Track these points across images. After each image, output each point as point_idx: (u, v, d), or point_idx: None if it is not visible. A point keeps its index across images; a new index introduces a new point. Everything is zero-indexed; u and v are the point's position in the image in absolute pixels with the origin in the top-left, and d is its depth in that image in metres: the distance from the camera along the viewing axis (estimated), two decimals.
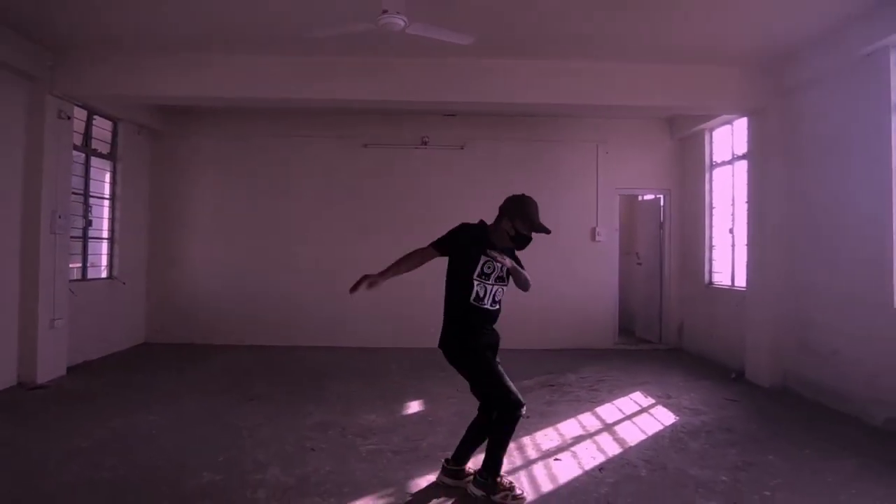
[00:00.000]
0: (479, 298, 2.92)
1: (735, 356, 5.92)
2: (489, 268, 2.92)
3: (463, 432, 3.13)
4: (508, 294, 3.06)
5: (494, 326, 3.06)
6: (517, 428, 2.95)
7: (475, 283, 2.91)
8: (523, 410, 2.87)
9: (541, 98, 5.62)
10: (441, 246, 2.96)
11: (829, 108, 4.81)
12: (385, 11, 3.16)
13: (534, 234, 3.00)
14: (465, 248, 2.94)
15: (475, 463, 3.09)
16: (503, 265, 2.90)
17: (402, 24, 3.25)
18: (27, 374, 5.10)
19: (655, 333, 7.62)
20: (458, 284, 2.95)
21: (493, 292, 2.95)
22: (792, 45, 4.87)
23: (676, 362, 6.54)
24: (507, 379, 2.90)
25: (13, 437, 3.78)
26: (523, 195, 3.04)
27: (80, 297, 5.82)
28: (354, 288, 2.90)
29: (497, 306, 3.01)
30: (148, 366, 6.05)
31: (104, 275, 6.60)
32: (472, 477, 2.99)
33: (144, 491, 2.96)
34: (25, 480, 3.09)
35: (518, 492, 2.90)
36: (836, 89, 4.71)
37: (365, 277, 2.91)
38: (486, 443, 2.98)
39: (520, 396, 2.87)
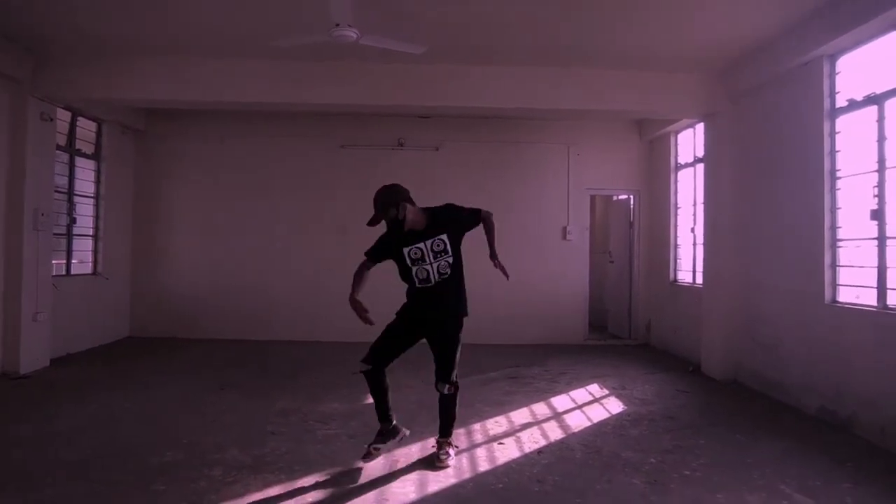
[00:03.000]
0: (423, 280, 3.23)
1: (695, 351, 6.17)
2: (415, 253, 3.21)
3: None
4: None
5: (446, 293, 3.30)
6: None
7: (413, 269, 3.22)
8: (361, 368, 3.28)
9: (509, 103, 5.86)
10: (374, 254, 3.31)
11: (772, 113, 5.06)
12: (337, 25, 3.38)
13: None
14: (389, 245, 3.27)
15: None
16: (429, 247, 3.20)
17: (354, 36, 3.48)
18: (10, 365, 5.33)
19: (625, 329, 7.87)
20: (402, 275, 3.29)
21: (436, 268, 3.23)
22: (739, 52, 5.11)
23: (641, 357, 6.78)
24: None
25: None
26: (395, 184, 3.27)
27: (64, 292, 6.05)
28: (364, 313, 3.14)
29: (446, 274, 3.26)
30: (129, 358, 6.28)
31: (89, 270, 6.82)
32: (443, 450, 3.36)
33: (111, 468, 3.19)
34: (2, 461, 3.32)
35: (444, 456, 3.31)
36: (779, 96, 4.96)
37: (355, 303, 3.16)
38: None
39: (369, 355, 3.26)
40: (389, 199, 3.16)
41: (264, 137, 7.56)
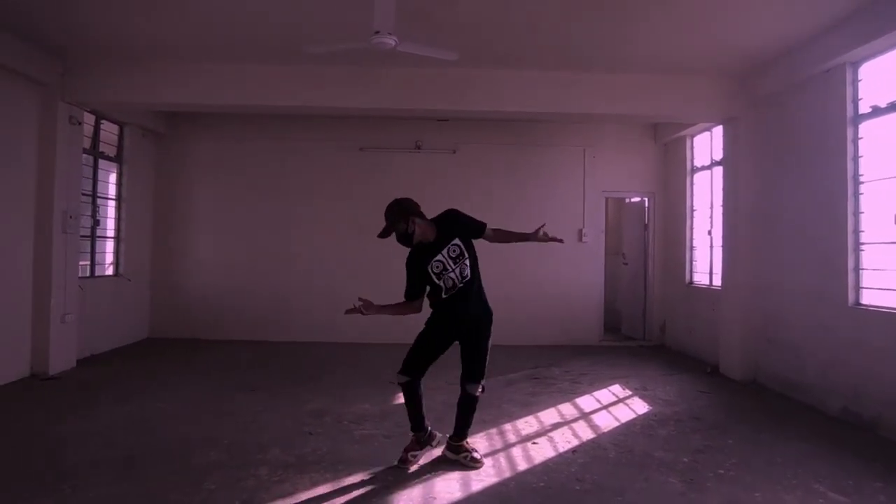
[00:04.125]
0: (449, 289, 3.29)
1: (712, 352, 6.25)
2: (438, 266, 3.27)
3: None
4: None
5: (473, 296, 3.35)
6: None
7: (439, 282, 3.27)
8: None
9: (527, 107, 5.91)
10: (411, 291, 3.35)
11: (793, 118, 5.14)
12: (377, 32, 3.45)
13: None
14: (416, 269, 3.31)
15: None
16: (447, 256, 3.25)
17: (392, 43, 3.54)
18: (40, 366, 5.40)
19: (640, 331, 7.94)
20: (431, 295, 3.35)
21: (458, 272, 3.28)
22: (761, 58, 5.19)
23: (657, 358, 6.86)
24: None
25: (30, 421, 4.09)
26: (405, 198, 3.34)
27: (88, 293, 6.12)
28: (353, 310, 3.20)
29: (468, 276, 3.30)
30: (153, 358, 6.35)
31: (111, 272, 6.89)
32: (467, 452, 3.39)
33: (157, 467, 3.27)
34: (46, 457, 3.39)
35: (477, 455, 3.38)
36: (800, 102, 5.03)
37: (365, 305, 3.19)
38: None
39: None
40: (399, 214, 3.22)
41: (283, 140, 7.63)
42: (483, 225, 3.39)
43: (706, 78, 5.74)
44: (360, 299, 3.19)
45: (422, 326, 3.43)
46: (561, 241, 3.47)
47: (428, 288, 3.34)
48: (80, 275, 6.03)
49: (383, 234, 3.29)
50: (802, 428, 4.19)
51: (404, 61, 5.20)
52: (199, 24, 4.74)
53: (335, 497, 2.93)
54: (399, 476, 3.21)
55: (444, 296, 3.30)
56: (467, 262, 3.30)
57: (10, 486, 2.99)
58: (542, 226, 3.41)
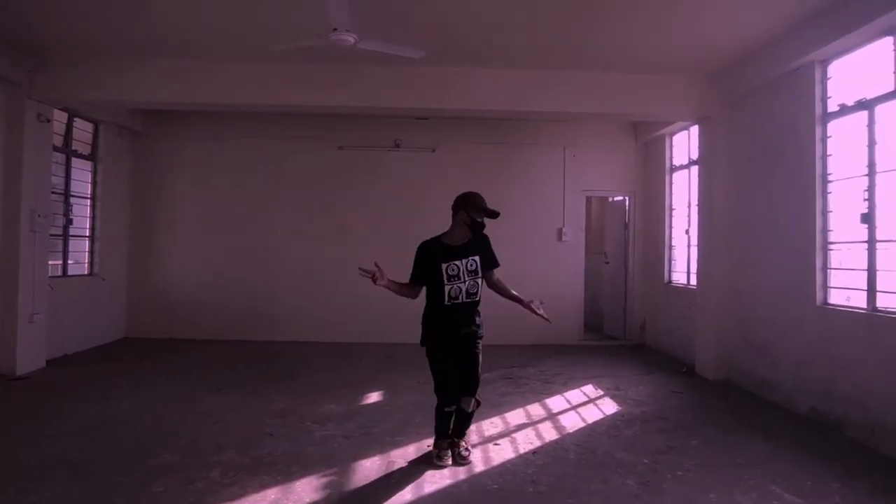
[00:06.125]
0: (453, 298, 3.31)
1: (689, 351, 6.23)
2: (453, 270, 3.29)
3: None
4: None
5: (469, 314, 3.41)
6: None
7: (446, 286, 3.28)
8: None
9: (504, 105, 5.89)
10: (416, 278, 3.38)
11: (766, 117, 5.12)
12: (335, 29, 3.41)
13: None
14: (427, 263, 3.32)
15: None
16: (465, 266, 3.31)
17: (352, 40, 3.51)
18: (7, 366, 5.34)
19: (620, 330, 7.93)
20: (431, 290, 3.35)
21: (467, 287, 3.32)
22: (734, 57, 5.17)
23: (635, 357, 6.84)
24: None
25: None
26: (470, 191, 3.44)
27: (60, 293, 6.06)
28: (368, 272, 3.19)
29: (474, 294, 3.37)
30: (127, 358, 6.30)
31: (85, 272, 6.83)
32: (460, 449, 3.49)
33: (108, 469, 3.22)
34: (1, 462, 3.33)
35: (465, 454, 3.47)
36: (772, 100, 5.02)
37: (380, 274, 3.20)
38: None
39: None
40: (458, 204, 3.37)
41: (262, 139, 7.57)
42: (497, 265, 3.52)
43: (681, 77, 5.71)
44: (376, 265, 3.22)
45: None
46: (549, 321, 3.51)
47: (430, 286, 3.37)
48: (50, 274, 5.97)
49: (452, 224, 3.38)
50: (769, 428, 4.18)
51: (380, 60, 5.15)
52: (170, 21, 4.68)
53: (283, 501, 2.88)
54: (351, 478, 3.17)
55: (445, 302, 3.31)
56: (479, 281, 3.38)
57: None
58: (541, 302, 3.47)
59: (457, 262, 3.31)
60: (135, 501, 2.84)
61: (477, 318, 3.44)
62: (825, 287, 4.40)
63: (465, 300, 3.33)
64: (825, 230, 4.40)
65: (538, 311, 3.42)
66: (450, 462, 3.38)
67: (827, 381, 4.22)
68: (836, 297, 4.35)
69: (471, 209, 3.32)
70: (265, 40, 4.39)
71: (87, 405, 4.44)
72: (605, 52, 5.19)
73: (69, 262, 6.53)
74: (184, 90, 5.68)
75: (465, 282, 3.31)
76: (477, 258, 3.37)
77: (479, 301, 3.43)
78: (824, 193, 4.40)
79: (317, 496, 2.94)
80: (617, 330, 7.99)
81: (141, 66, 5.53)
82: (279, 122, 7.46)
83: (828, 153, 4.40)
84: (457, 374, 3.40)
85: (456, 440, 3.51)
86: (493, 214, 3.33)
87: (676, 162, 7.10)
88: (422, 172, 7.62)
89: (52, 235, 5.98)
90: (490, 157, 7.66)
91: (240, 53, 5.37)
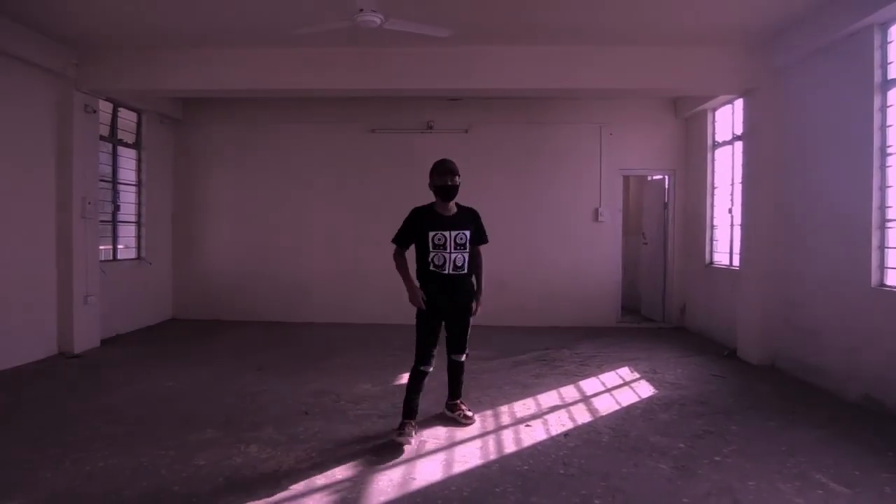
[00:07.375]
0: (438, 266, 3.41)
1: (731, 334, 6.02)
2: (439, 239, 3.38)
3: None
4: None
5: (461, 285, 3.54)
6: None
7: (430, 253, 3.39)
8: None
9: (538, 83, 5.73)
10: (400, 238, 3.49)
11: (817, 87, 4.80)
12: (361, 10, 3.38)
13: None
14: (415, 228, 3.43)
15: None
16: (452, 238, 3.41)
17: (378, 21, 3.47)
18: (66, 345, 5.68)
19: (659, 312, 7.73)
20: (417, 255, 3.46)
21: (453, 259, 3.40)
22: (780, 24, 4.85)
23: (674, 340, 6.65)
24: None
25: (50, 396, 4.31)
26: (440, 159, 3.55)
27: (111, 276, 6.37)
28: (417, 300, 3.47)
29: (462, 267, 3.45)
30: (172, 339, 6.59)
31: (133, 256, 7.15)
32: (461, 411, 3.77)
33: (153, 443, 3.39)
34: (52, 432, 3.56)
35: (469, 413, 3.76)
36: (824, 68, 4.69)
37: (415, 291, 3.46)
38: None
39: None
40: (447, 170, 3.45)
41: (296, 123, 7.67)
42: (485, 241, 3.66)
43: (724, 47, 5.41)
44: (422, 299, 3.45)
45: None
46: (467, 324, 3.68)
47: (417, 249, 3.50)
48: (101, 258, 6.28)
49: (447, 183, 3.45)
50: (817, 414, 3.99)
51: (409, 41, 5.10)
52: (205, 9, 4.75)
53: (315, 474, 2.97)
54: (384, 456, 3.23)
55: (430, 268, 3.43)
56: (465, 255, 3.46)
57: (15, 457, 3.16)
58: (478, 307, 3.64)
59: (444, 233, 3.39)
60: (178, 473, 2.98)
61: (470, 285, 3.60)
62: (882, 268, 4.13)
63: (451, 272, 3.43)
64: (883, 206, 4.11)
65: (472, 313, 3.62)
66: (412, 441, 3.35)
67: (883, 367, 3.98)
68: (893, 279, 4.09)
69: (434, 175, 3.44)
70: (295, 24, 4.40)
71: (136, 383, 4.68)
72: (641, 23, 4.96)
73: (119, 246, 6.84)
74: (218, 78, 5.78)
75: (450, 252, 3.40)
76: (467, 232, 3.47)
77: (468, 273, 3.53)
78: (883, 167, 4.11)
79: (349, 473, 3.01)
80: (655, 312, 7.79)
81: (176, 55, 5.67)
82: (311, 107, 7.53)
83: (888, 124, 4.09)
84: (448, 337, 3.66)
85: (452, 403, 3.77)
86: (446, 178, 3.38)
87: (719, 138, 6.78)
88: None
89: (101, 221, 6.27)
90: (524, 138, 7.53)
91: (270, 39, 5.41)
